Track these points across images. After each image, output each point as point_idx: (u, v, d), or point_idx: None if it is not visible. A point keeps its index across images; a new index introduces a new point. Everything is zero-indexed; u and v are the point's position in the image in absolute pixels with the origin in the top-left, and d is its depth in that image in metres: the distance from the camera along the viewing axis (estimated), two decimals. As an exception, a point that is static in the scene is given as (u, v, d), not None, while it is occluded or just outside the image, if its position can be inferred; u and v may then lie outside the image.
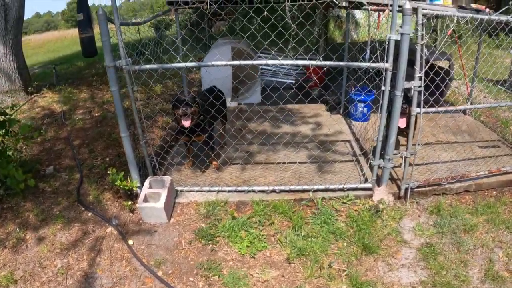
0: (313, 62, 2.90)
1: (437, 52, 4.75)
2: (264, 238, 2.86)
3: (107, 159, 4.07)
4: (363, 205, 3.23)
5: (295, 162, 3.75)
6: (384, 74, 2.83)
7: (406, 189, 3.30)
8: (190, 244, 2.85)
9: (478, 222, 3.17)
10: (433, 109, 3.10)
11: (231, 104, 5.29)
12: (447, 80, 5.41)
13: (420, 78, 2.88)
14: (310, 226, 2.96)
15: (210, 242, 2.84)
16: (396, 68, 2.83)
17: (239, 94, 5.77)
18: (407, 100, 3.26)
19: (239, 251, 2.75)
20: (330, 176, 3.52)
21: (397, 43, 2.75)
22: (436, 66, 3.95)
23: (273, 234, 2.91)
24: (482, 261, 2.75)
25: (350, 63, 2.97)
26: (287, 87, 5.74)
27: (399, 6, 2.72)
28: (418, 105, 2.99)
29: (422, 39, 2.78)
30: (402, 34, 2.73)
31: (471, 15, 2.91)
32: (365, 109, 4.90)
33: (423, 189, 3.44)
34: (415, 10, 2.76)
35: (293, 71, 6.03)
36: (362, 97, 4.65)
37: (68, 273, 2.63)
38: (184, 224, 3.05)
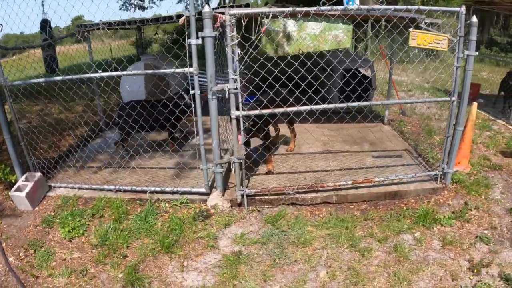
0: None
1: (361, 60, 4.64)
2: (87, 227, 3.10)
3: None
4: (193, 208, 3.28)
5: (156, 168, 3.95)
6: (189, 78, 2.98)
7: (243, 196, 3.27)
8: (36, 227, 3.22)
9: (318, 236, 3.01)
10: (256, 112, 3.08)
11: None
12: (370, 90, 5.13)
13: (235, 81, 2.94)
14: (129, 222, 3.12)
15: (48, 226, 3.18)
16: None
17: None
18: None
19: (62, 235, 3.03)
20: (184, 180, 3.63)
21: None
22: (360, 74, 3.90)
23: (96, 224, 3.15)
24: (292, 278, 2.59)
25: (157, 71, 3.20)
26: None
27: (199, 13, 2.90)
28: (237, 108, 3.03)
29: (232, 40, 2.87)
30: (203, 38, 2.87)
31: (291, 9, 2.89)
32: None
33: (268, 197, 3.35)
34: (222, 13, 2.90)
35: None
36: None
37: None
38: (41, 212, 3.41)
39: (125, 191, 3.47)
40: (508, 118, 5.72)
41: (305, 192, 3.36)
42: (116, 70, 3.16)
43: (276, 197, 3.34)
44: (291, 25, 8.06)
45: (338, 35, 8.63)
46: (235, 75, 2.91)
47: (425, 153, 4.31)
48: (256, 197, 3.34)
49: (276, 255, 2.79)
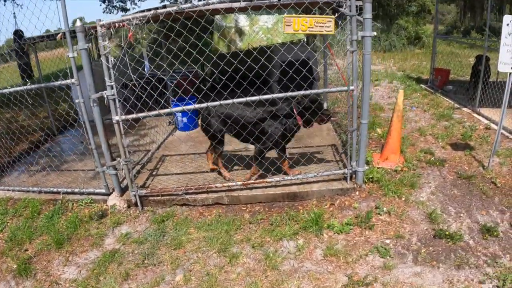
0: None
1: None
2: (6, 225, 3.41)
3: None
4: (94, 208, 3.45)
5: (80, 170, 4.17)
6: (72, 88, 3.13)
7: (135, 196, 3.36)
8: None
9: (195, 239, 2.99)
10: (133, 116, 3.13)
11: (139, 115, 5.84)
12: (311, 81, 4.83)
13: (112, 87, 3.04)
14: (40, 220, 3.38)
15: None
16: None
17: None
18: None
19: None
20: (98, 181, 3.82)
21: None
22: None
23: (8, 220, 3.46)
24: (150, 279, 2.61)
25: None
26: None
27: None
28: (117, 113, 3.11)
29: (105, 49, 2.97)
30: (81, 50, 3.00)
31: (152, 12, 2.89)
32: (184, 118, 4.89)
33: (161, 198, 3.40)
34: (94, 26, 3.00)
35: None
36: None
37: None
38: None
39: (45, 192, 3.76)
40: (474, 106, 4.98)
41: (196, 193, 3.34)
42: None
43: (168, 197, 3.37)
44: (243, 20, 7.78)
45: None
46: (111, 82, 3.00)
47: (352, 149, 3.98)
48: (150, 198, 3.40)
49: (146, 255, 2.84)
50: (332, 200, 3.25)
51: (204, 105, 3.08)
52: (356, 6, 2.76)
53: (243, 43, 8.01)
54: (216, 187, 3.29)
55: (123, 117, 3.10)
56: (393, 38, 12.38)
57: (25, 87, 3.43)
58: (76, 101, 3.14)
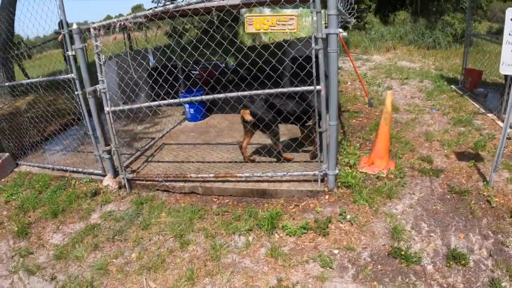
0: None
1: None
2: (20, 195, 3.98)
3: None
4: (91, 186, 3.91)
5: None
6: (73, 82, 3.56)
7: (124, 179, 3.71)
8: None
9: (162, 223, 3.23)
10: (120, 107, 3.44)
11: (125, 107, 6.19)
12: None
13: (103, 82, 3.40)
14: (47, 193, 3.97)
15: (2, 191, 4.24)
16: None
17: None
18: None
19: (3, 199, 3.97)
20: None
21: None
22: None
23: (23, 190, 4.06)
24: (112, 253, 2.90)
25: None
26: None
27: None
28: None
29: (97, 48, 3.33)
30: (77, 49, 3.40)
31: (137, 14, 3.14)
32: (191, 109, 5.03)
33: (146, 182, 3.70)
34: (88, 28, 3.37)
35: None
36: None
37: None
38: (2, 183, 4.45)
39: (57, 169, 4.34)
40: (499, 112, 4.25)
41: (175, 181, 3.57)
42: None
43: (151, 183, 3.66)
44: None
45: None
46: (102, 77, 3.35)
47: (341, 150, 3.80)
48: (138, 182, 3.73)
49: (118, 232, 3.17)
50: (299, 201, 3.20)
51: (209, 96, 3.14)
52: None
53: (266, 37, 7.95)
54: (191, 177, 3.48)
55: (113, 108, 3.45)
56: (437, 35, 11.12)
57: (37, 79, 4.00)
58: (76, 93, 3.57)
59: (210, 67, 6.51)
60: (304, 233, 2.80)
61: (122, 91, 4.34)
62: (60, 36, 3.44)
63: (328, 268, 2.44)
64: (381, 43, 11.08)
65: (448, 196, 3.10)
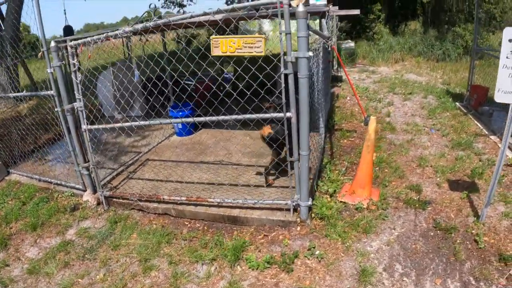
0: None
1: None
2: (5, 205, 4.07)
3: None
4: (72, 200, 3.93)
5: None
6: (53, 99, 3.59)
7: (102, 196, 3.70)
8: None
9: (132, 244, 3.19)
10: (96, 126, 3.42)
11: (118, 116, 6.00)
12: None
13: (80, 100, 3.40)
14: (30, 204, 4.02)
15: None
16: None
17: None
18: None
19: None
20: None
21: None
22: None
23: (9, 200, 4.12)
24: (81, 271, 2.90)
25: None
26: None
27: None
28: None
29: (74, 66, 3.34)
30: (55, 67, 3.42)
31: (109, 33, 3.11)
32: (179, 124, 4.94)
33: (122, 201, 3.67)
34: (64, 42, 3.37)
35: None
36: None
37: None
38: None
39: (43, 181, 4.40)
40: (503, 134, 3.85)
41: (149, 201, 3.51)
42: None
43: (127, 201, 3.63)
44: (266, 25, 7.35)
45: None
46: (79, 96, 3.35)
47: (324, 175, 3.60)
48: (115, 199, 3.71)
49: (88, 250, 3.15)
50: (269, 231, 3.05)
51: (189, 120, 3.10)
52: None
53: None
54: (163, 198, 3.41)
55: (89, 127, 3.45)
56: (448, 47, 10.52)
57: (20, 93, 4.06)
58: (56, 109, 3.60)
59: (194, 82, 6.37)
60: (268, 267, 2.66)
61: (116, 102, 4.33)
62: (40, 54, 3.47)
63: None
64: (389, 54, 10.64)
65: (432, 233, 2.85)
